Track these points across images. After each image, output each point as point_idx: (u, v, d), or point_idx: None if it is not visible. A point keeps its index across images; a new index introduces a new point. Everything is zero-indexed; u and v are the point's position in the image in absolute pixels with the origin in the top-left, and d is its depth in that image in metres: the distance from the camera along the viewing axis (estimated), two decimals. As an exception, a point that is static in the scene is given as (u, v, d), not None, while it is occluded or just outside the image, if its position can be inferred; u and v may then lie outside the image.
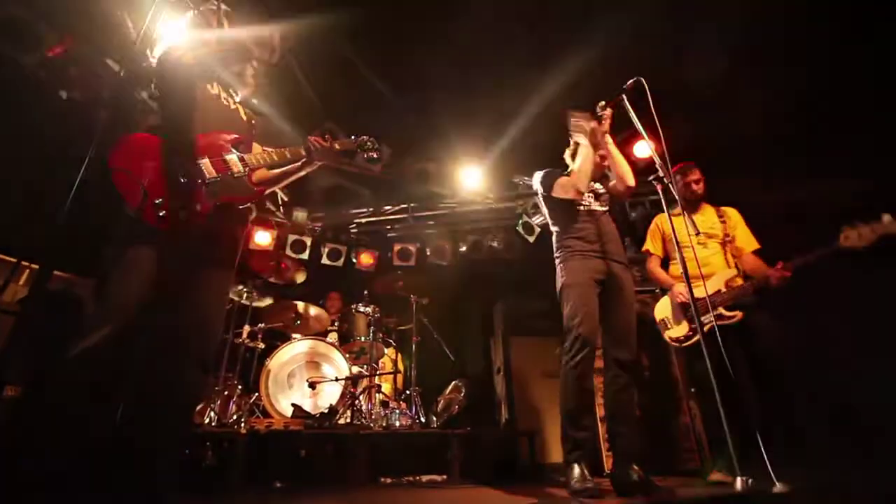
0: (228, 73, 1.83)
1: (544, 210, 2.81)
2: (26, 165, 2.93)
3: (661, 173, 2.26)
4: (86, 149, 1.43)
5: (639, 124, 2.30)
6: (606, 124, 2.56)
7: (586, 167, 2.51)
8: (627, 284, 2.48)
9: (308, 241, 5.60)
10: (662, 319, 2.96)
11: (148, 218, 1.48)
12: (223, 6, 1.71)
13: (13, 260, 2.72)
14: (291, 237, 5.52)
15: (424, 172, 4.92)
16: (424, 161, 4.90)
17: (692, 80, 3.48)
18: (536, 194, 2.81)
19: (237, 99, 1.92)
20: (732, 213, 3.02)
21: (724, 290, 2.76)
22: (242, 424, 3.17)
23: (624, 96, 2.38)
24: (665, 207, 2.39)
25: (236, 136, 1.75)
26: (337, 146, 2.00)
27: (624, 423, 2.32)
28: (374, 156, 2.19)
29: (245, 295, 4.22)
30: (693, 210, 3.03)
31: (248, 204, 1.82)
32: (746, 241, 2.91)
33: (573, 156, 2.72)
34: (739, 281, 2.78)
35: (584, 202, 2.61)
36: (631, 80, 2.32)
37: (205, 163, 1.63)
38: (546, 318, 4.68)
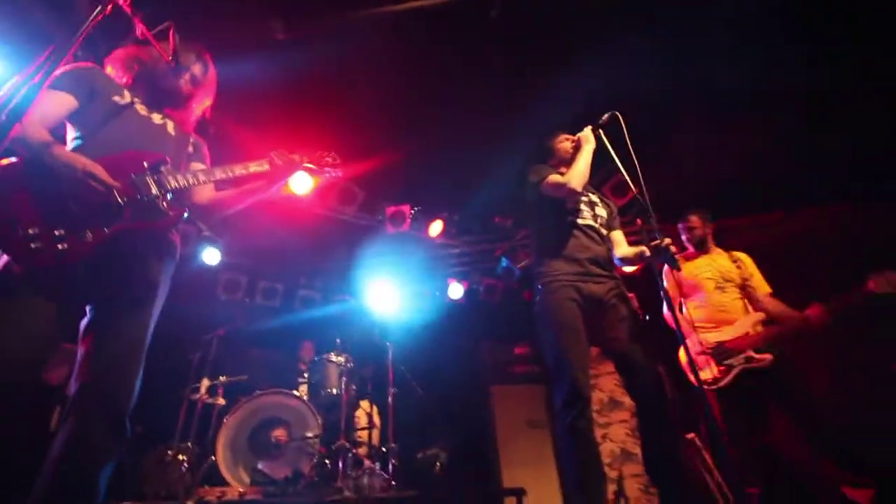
0: (167, 86, 1.68)
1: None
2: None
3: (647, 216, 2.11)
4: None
5: (617, 160, 2.20)
6: None
7: (584, 168, 2.25)
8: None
9: (280, 287, 5.35)
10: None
11: (19, 255, 1.23)
12: (172, 29, 1.57)
13: None
14: (262, 283, 5.27)
15: (401, 215, 4.80)
16: (402, 204, 4.80)
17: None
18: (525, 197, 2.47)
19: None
20: (745, 258, 2.97)
21: (751, 332, 2.63)
22: (190, 495, 2.81)
23: (601, 131, 2.31)
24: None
25: (157, 154, 1.51)
26: (302, 158, 1.86)
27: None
28: (334, 169, 2.03)
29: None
30: (702, 254, 3.02)
31: (168, 230, 1.56)
32: (761, 284, 2.86)
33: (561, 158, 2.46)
34: (761, 327, 2.67)
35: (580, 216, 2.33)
36: (606, 115, 2.26)
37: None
38: (529, 364, 4.49)
